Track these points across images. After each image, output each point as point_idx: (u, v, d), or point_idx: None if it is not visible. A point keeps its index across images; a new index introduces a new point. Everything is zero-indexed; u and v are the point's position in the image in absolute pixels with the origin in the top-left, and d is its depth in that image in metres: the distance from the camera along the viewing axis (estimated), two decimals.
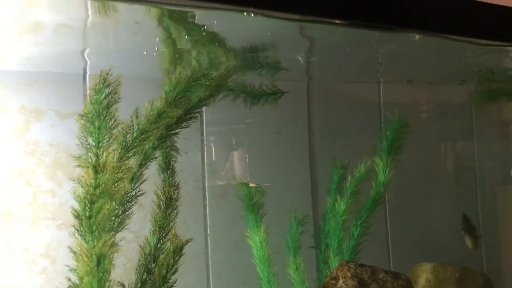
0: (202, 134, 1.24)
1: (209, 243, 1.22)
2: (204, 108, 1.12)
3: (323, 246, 1.13)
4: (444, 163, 1.66)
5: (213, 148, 1.26)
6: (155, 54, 0.95)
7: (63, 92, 1.08)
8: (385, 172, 1.10)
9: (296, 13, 0.74)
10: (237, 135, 1.30)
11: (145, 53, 0.97)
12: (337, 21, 0.80)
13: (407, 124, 1.15)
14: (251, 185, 1.26)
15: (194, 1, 0.68)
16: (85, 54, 0.99)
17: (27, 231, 1.03)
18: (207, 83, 0.91)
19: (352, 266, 0.94)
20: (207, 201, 1.23)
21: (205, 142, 1.24)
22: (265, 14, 0.66)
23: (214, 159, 1.25)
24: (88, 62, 1.04)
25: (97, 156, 0.75)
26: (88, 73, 1.09)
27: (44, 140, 1.06)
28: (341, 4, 0.76)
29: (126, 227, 0.87)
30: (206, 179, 1.23)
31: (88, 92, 1.03)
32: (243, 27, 0.80)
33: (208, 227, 1.22)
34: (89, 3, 0.68)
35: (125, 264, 1.06)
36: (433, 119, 1.63)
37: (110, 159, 0.76)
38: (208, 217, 1.22)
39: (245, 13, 0.63)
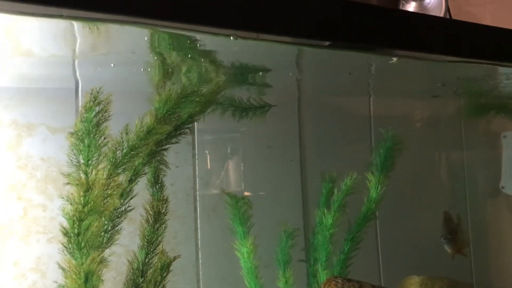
0: (193, 147, 1.25)
1: (200, 256, 1.23)
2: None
3: (312, 259, 1.14)
4: (434, 176, 1.67)
5: (204, 160, 1.27)
6: (142, 70, 0.96)
7: (55, 106, 1.10)
8: (377, 189, 1.11)
9: (285, 36, 0.76)
10: (229, 147, 1.31)
11: (141, 69, 0.99)
12: (326, 43, 0.82)
13: (401, 141, 1.16)
14: (245, 193, 1.28)
15: (188, 24, 0.70)
16: (77, 70, 1.01)
17: (18, 245, 1.04)
18: (197, 99, 0.92)
19: (339, 281, 0.95)
20: (198, 214, 1.24)
21: (196, 156, 1.25)
22: (255, 38, 0.68)
23: (205, 171, 1.26)
24: (80, 77, 1.06)
25: (86, 173, 0.77)
26: (80, 87, 1.10)
27: (35, 154, 1.07)
28: (326, 27, 0.78)
29: (116, 242, 0.88)
30: (197, 193, 1.24)
31: (79, 107, 1.05)
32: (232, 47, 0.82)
33: (199, 240, 1.23)
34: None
35: (115, 278, 1.07)
36: (423, 132, 1.65)
37: (100, 176, 0.77)
38: (199, 230, 1.23)
39: (231, 38, 0.64)
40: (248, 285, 1.09)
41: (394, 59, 0.85)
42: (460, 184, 1.67)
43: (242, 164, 1.32)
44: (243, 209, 1.11)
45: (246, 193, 1.31)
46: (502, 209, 1.69)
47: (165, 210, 0.95)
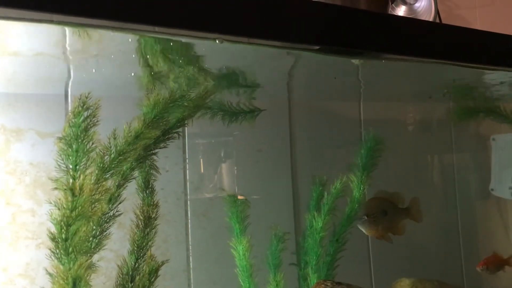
0: (184, 152, 1.25)
1: (190, 260, 1.22)
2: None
3: (302, 263, 1.15)
4: (425, 178, 1.68)
5: (195, 164, 1.27)
6: (133, 74, 0.96)
7: (44, 111, 1.09)
8: (360, 189, 1.12)
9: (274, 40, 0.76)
10: (220, 151, 1.31)
11: (133, 74, 0.99)
12: (316, 47, 0.82)
13: (382, 141, 1.17)
14: (239, 197, 1.28)
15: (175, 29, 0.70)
16: (69, 72, 1.01)
17: (6, 251, 1.03)
18: (185, 104, 0.92)
19: (329, 284, 0.95)
20: (189, 218, 1.24)
21: (187, 160, 1.25)
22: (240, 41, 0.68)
23: (196, 175, 1.26)
24: (71, 81, 1.05)
25: (74, 178, 0.76)
26: (69, 92, 1.10)
27: (24, 159, 1.07)
28: (316, 31, 0.79)
29: (105, 247, 0.88)
30: (188, 197, 1.24)
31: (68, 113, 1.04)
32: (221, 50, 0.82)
33: (190, 245, 1.23)
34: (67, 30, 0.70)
35: (104, 283, 1.07)
36: (413, 135, 1.66)
37: (87, 181, 0.77)
38: (189, 235, 1.23)
39: (217, 41, 0.65)
40: (242, 284, 1.09)
41: (355, 61, 0.86)
42: (451, 186, 1.67)
43: (232, 168, 1.32)
44: (241, 208, 1.12)
45: (239, 197, 1.31)
46: (492, 211, 1.70)
47: (156, 215, 0.95)
